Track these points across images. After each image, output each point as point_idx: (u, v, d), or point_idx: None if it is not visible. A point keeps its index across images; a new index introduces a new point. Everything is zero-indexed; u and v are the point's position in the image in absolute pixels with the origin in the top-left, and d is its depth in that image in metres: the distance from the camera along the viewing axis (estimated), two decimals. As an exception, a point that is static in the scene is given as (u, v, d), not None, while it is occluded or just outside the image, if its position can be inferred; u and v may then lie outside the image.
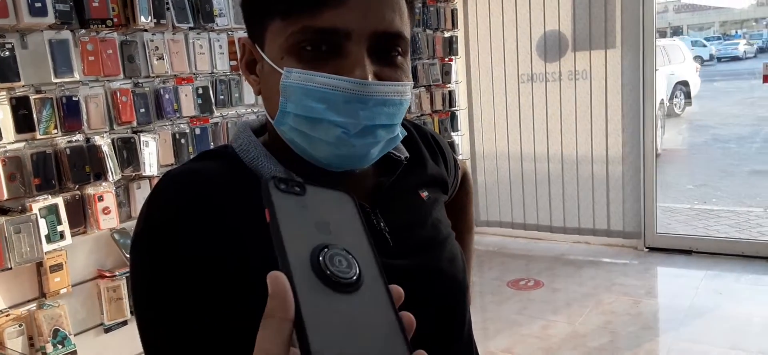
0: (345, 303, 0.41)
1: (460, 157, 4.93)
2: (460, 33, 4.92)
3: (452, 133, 4.77)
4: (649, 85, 4.34)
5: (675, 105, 11.42)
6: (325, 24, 0.63)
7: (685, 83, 11.33)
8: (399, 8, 0.68)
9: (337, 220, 0.47)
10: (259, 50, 0.70)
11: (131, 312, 2.52)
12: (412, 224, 0.78)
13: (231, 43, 2.95)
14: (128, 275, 2.54)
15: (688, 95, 11.58)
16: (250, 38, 0.72)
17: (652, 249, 4.53)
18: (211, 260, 0.62)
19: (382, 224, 0.74)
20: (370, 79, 0.64)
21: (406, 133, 0.76)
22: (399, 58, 0.69)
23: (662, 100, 8.31)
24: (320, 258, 0.42)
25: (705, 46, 21.83)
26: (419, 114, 4.44)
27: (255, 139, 0.73)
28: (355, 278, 0.42)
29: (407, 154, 0.81)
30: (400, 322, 0.43)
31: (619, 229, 4.61)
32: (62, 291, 2.32)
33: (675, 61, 10.45)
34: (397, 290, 0.45)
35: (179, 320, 0.62)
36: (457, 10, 4.82)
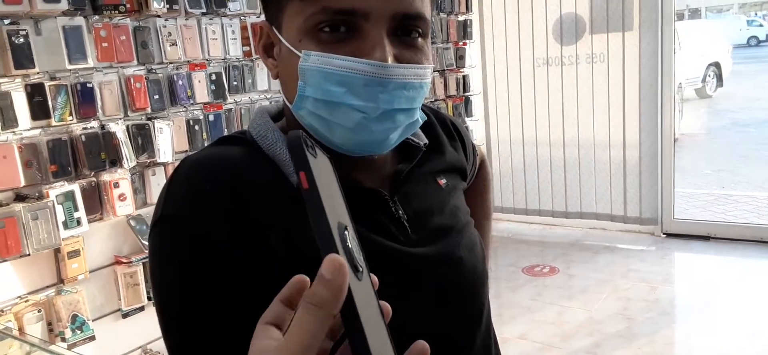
0: (364, 290, 0.39)
1: (474, 142, 4.89)
2: (474, 16, 4.86)
3: (467, 119, 4.73)
4: (668, 68, 4.27)
5: (706, 86, 11.41)
6: (343, 5, 0.62)
7: (717, 65, 11.31)
8: None
9: (334, 189, 0.42)
10: (277, 33, 0.68)
11: (148, 298, 2.54)
12: (431, 211, 0.76)
13: (243, 28, 2.94)
14: (145, 260, 2.56)
15: (720, 77, 11.53)
16: (267, 21, 0.71)
17: (669, 235, 4.48)
18: (232, 245, 0.61)
19: (400, 212, 0.73)
20: (389, 62, 0.63)
21: (426, 119, 0.75)
22: (419, 40, 0.67)
23: (680, 84, 8.18)
24: (346, 240, 0.38)
25: (761, 25, 20.85)
26: (433, 99, 4.41)
27: (272, 124, 0.72)
28: (364, 261, 0.40)
29: (426, 141, 0.79)
30: (381, 312, 0.41)
31: (636, 215, 4.56)
32: (80, 277, 2.34)
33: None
34: (374, 279, 0.43)
35: (200, 307, 0.61)
36: (471, -7, 4.76)
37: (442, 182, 0.81)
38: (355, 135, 0.65)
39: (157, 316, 0.64)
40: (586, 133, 4.64)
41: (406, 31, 0.66)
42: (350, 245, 0.38)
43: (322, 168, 0.41)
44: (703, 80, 11.31)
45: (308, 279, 0.40)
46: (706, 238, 4.38)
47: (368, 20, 0.62)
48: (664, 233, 4.50)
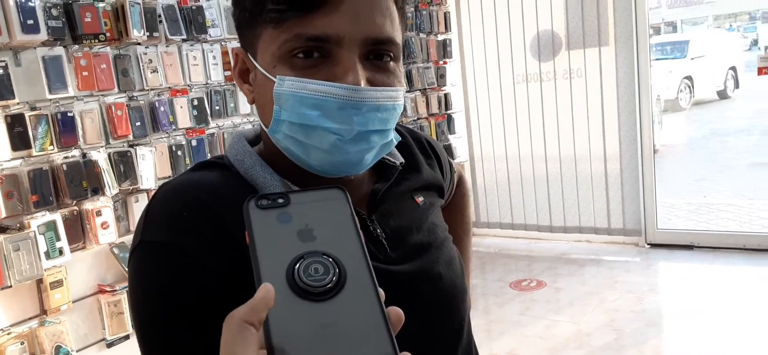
0: (321, 311, 0.42)
1: (458, 160, 4.93)
2: (453, 36, 4.92)
3: (449, 136, 4.77)
4: (645, 81, 4.34)
5: (727, 88, 12.48)
6: (316, 31, 0.64)
7: (734, 68, 12.53)
8: (390, 14, 0.68)
9: (324, 222, 0.48)
10: (252, 59, 0.70)
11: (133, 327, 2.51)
12: (409, 229, 0.78)
13: (224, 53, 2.95)
14: (128, 297, 2.53)
15: (736, 79, 12.69)
16: (242, 47, 0.72)
17: (653, 245, 4.52)
18: (211, 266, 0.62)
19: (378, 230, 0.74)
20: (362, 85, 0.65)
21: (401, 139, 0.76)
22: (391, 63, 0.69)
23: (659, 95, 8.32)
24: (295, 270, 0.44)
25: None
26: (415, 118, 4.44)
27: (250, 148, 0.73)
28: (331, 283, 0.44)
29: (402, 160, 0.81)
30: (386, 320, 0.43)
31: (620, 226, 4.60)
32: (63, 307, 2.31)
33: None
34: (380, 292, 0.45)
35: (179, 329, 0.62)
36: (449, 13, 4.82)
37: (420, 199, 0.82)
38: (330, 156, 0.67)
39: (138, 340, 0.65)
40: (567, 147, 4.69)
41: (378, 55, 0.68)
42: (299, 274, 0.44)
43: (295, 210, 0.48)
44: (724, 83, 12.30)
45: None
46: (689, 247, 4.42)
47: (341, 46, 0.64)
48: (648, 244, 4.54)
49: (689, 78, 11.66)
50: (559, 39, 4.60)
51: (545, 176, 4.82)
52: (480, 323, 3.65)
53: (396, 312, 0.44)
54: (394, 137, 0.72)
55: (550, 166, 4.79)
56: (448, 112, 4.77)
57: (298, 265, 0.43)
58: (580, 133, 4.61)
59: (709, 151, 8.57)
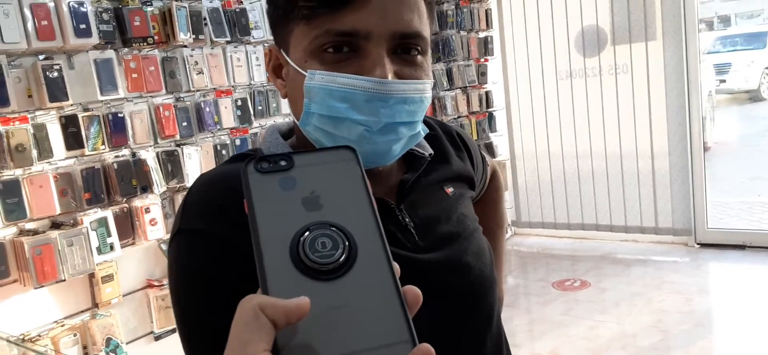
0: (329, 291, 0.38)
1: (499, 158, 4.88)
2: (495, 33, 4.87)
3: (490, 134, 4.73)
4: (694, 76, 4.21)
5: None
6: (346, 26, 0.66)
7: None
8: (417, 8, 0.69)
9: (332, 188, 0.43)
10: (285, 55, 0.72)
11: (179, 320, 2.59)
12: (437, 219, 0.79)
13: (267, 55, 3.00)
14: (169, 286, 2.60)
15: None
16: (275, 44, 0.75)
17: (703, 245, 4.38)
18: (246, 255, 0.64)
19: (407, 220, 0.76)
20: (390, 78, 0.66)
21: (430, 131, 0.78)
22: (418, 57, 0.70)
23: (710, 91, 8.03)
24: (299, 244, 0.39)
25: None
26: (456, 116, 4.42)
27: (282, 141, 0.76)
28: (340, 259, 0.39)
29: (431, 151, 0.82)
30: (402, 300, 0.39)
31: (668, 226, 4.47)
32: (114, 301, 2.41)
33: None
34: (395, 267, 0.41)
35: (214, 317, 0.64)
36: (491, 10, 4.78)
37: (449, 190, 0.83)
38: (359, 147, 0.68)
39: (177, 325, 0.67)
40: (612, 144, 4.58)
41: (406, 49, 0.69)
42: (304, 250, 0.39)
43: (300, 174, 0.42)
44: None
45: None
46: (741, 247, 4.26)
47: (369, 40, 0.66)
48: (697, 244, 4.39)
49: None
50: (604, 34, 4.51)
51: (590, 174, 4.72)
52: (521, 323, 3.61)
53: (413, 292, 0.40)
54: (421, 129, 0.73)
55: (595, 163, 4.69)
56: (489, 109, 4.73)
57: (302, 239, 0.39)
58: (626, 129, 4.50)
59: (764, 148, 8.23)
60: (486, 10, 4.67)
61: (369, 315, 0.38)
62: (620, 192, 4.62)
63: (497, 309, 0.84)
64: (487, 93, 4.69)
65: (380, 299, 0.39)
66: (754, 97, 11.45)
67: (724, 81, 11.34)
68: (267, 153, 0.75)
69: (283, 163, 0.43)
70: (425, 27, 0.71)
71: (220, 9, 2.80)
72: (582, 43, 4.61)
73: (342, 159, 0.45)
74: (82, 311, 2.38)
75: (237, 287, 0.63)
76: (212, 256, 0.65)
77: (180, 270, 0.67)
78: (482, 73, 4.65)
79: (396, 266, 0.41)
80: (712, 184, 4.72)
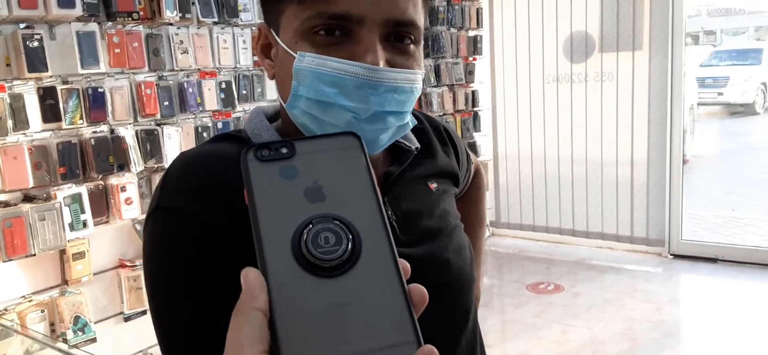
0: (332, 289, 0.37)
1: (482, 158, 4.89)
2: (485, 32, 4.88)
3: (475, 134, 4.74)
4: (678, 89, 4.26)
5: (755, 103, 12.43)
6: (339, 9, 0.64)
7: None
8: None
9: (335, 177, 0.41)
10: (274, 35, 0.71)
11: (151, 302, 2.55)
12: (420, 214, 0.78)
13: (254, 38, 2.97)
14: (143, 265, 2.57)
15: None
16: (265, 23, 0.73)
17: (676, 256, 4.45)
18: (224, 235, 0.63)
19: (389, 213, 0.75)
20: (381, 66, 0.65)
21: (417, 123, 0.77)
22: (411, 46, 0.69)
23: (692, 105, 8.15)
24: (302, 239, 0.38)
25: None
26: (441, 113, 4.42)
27: (267, 123, 0.74)
28: (345, 255, 0.38)
29: (418, 145, 0.81)
30: (407, 299, 0.38)
31: (643, 235, 4.53)
32: (84, 279, 2.37)
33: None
34: (404, 264, 0.40)
35: (189, 297, 0.63)
36: (482, 9, 4.78)
37: (433, 185, 0.82)
38: None
39: (149, 304, 0.66)
40: (594, 151, 4.63)
41: (399, 37, 0.68)
42: (307, 245, 0.38)
43: (302, 162, 0.41)
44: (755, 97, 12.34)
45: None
46: (713, 260, 4.34)
47: (362, 25, 0.65)
48: (671, 254, 4.46)
49: (764, 84, 12.11)
50: (592, 41, 4.54)
51: (570, 179, 4.76)
52: (494, 323, 3.63)
53: (419, 291, 0.38)
54: (410, 120, 0.72)
55: (575, 169, 4.73)
56: (475, 109, 4.74)
57: (304, 232, 0.38)
58: (608, 137, 4.55)
59: (741, 164, 8.37)
60: (477, 9, 4.68)
61: (373, 314, 0.37)
62: (598, 199, 4.67)
63: (474, 308, 0.84)
64: (473, 92, 4.70)
65: (385, 297, 0.37)
66: (749, 110, 11.94)
67: (721, 94, 11.78)
68: (251, 135, 0.73)
69: (284, 150, 0.41)
70: (420, 16, 0.70)
71: (209, -11, 2.75)
72: (570, 49, 4.63)
73: (345, 146, 0.43)
74: (51, 288, 2.34)
75: (210, 270, 0.62)
76: (189, 236, 0.63)
77: (155, 248, 0.65)
78: (470, 72, 4.66)
79: (403, 263, 0.39)
80: (689, 197, 4.79)
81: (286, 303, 0.36)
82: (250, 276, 0.37)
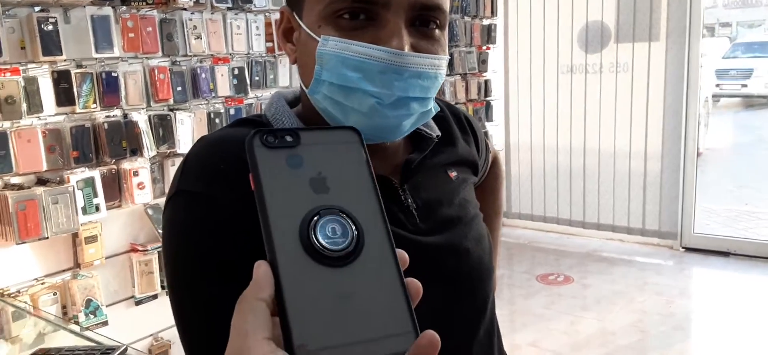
0: (338, 279, 0.38)
1: (489, 142, 4.86)
2: (499, 21, 4.83)
3: (487, 123, 4.71)
4: (694, 81, 4.21)
5: None
6: None
7: None
8: None
9: (337, 170, 0.42)
10: (297, 18, 0.70)
11: (162, 286, 2.57)
12: (440, 202, 0.77)
13: (268, 24, 2.96)
14: (160, 249, 2.59)
15: None
16: (288, 6, 0.72)
17: (688, 249, 4.41)
18: (244, 220, 0.62)
19: (409, 200, 0.74)
20: (406, 51, 0.64)
21: (439, 110, 0.76)
22: (437, 31, 0.68)
23: (707, 98, 8.07)
24: (310, 228, 0.38)
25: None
26: (454, 102, 4.39)
27: (288, 108, 0.74)
28: (350, 247, 0.39)
29: (438, 133, 0.80)
30: (405, 292, 0.39)
31: (655, 228, 4.50)
32: (96, 262, 2.38)
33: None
34: (402, 255, 0.41)
35: (209, 282, 0.62)
36: (496, -3, 4.74)
37: (453, 174, 0.82)
38: (369, 120, 0.66)
39: (168, 287, 0.66)
40: (607, 142, 4.59)
41: (424, 22, 0.67)
42: (315, 234, 0.38)
43: (306, 152, 0.41)
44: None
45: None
46: (725, 254, 4.30)
47: (388, 9, 0.64)
48: (683, 248, 4.43)
49: None
50: (608, 31, 4.48)
51: (582, 170, 4.73)
52: (503, 313, 3.63)
53: (414, 285, 0.40)
54: (433, 107, 0.71)
55: (587, 160, 4.69)
56: (488, 98, 4.70)
57: (312, 222, 0.39)
58: (621, 129, 4.50)
59: (754, 158, 8.28)
60: (491, -3, 4.63)
61: (375, 305, 0.38)
62: (610, 191, 4.64)
63: (492, 297, 0.83)
64: (486, 81, 4.67)
65: (385, 289, 0.39)
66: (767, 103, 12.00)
67: (745, 85, 11.91)
68: (272, 120, 0.72)
69: (289, 138, 0.42)
70: (445, 0, 0.68)
71: (223, -26, 2.74)
72: (585, 39, 4.58)
73: (346, 141, 0.44)
74: (64, 271, 2.36)
75: (231, 255, 0.62)
76: (209, 220, 0.63)
77: (176, 232, 0.65)
78: (483, 61, 4.62)
79: (401, 254, 0.41)
80: (701, 190, 4.75)
81: (295, 290, 0.37)
82: (260, 269, 0.38)
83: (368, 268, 0.39)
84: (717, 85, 12.14)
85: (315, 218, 0.39)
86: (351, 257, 0.39)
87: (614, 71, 4.49)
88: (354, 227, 0.39)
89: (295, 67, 0.74)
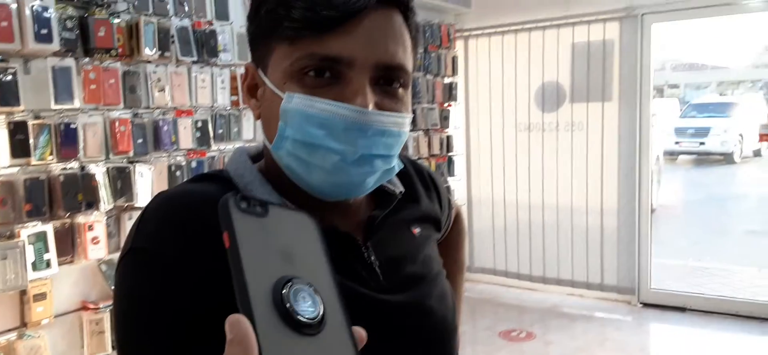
0: (308, 346, 0.39)
1: (451, 197, 4.91)
2: (460, 79, 4.97)
3: (449, 178, 4.77)
4: (645, 139, 4.38)
5: (733, 153, 13.26)
6: (330, 51, 0.64)
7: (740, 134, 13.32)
8: (403, 41, 0.69)
9: (301, 247, 0.44)
10: (262, 75, 0.70)
11: (112, 347, 2.46)
12: (403, 259, 0.77)
13: (233, 78, 2.97)
14: (111, 308, 2.49)
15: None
16: (253, 62, 0.73)
17: (646, 305, 4.49)
18: (202, 279, 0.61)
19: (372, 258, 0.74)
20: (370, 108, 0.65)
21: (403, 167, 0.76)
22: (400, 90, 0.69)
23: (658, 156, 8.41)
24: (283, 294, 0.39)
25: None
26: (417, 157, 4.44)
27: (250, 164, 0.73)
28: (318, 318, 0.40)
29: (402, 189, 0.81)
30: None
31: (613, 283, 4.58)
32: (44, 321, 2.27)
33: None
34: (359, 332, 0.43)
35: (157, 347, 0.60)
36: (457, 57, 4.88)
37: (416, 230, 0.82)
38: (332, 177, 0.67)
39: (117, 347, 0.63)
40: (564, 198, 4.70)
41: (388, 81, 0.68)
42: (289, 300, 0.39)
43: (273, 224, 0.43)
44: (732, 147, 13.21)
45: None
46: (682, 309, 4.40)
47: (352, 68, 0.65)
48: (640, 303, 4.51)
49: (741, 135, 13.11)
50: (563, 91, 4.65)
51: (541, 226, 4.81)
52: (468, 371, 3.59)
53: (359, 333, 0.43)
54: (396, 164, 0.72)
55: (546, 215, 4.78)
56: (449, 154, 4.78)
57: (286, 288, 0.39)
58: (578, 185, 4.63)
59: (705, 215, 8.58)
60: (453, 57, 4.77)
61: None
62: (569, 246, 4.72)
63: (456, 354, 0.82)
64: (448, 137, 4.76)
65: None
66: (728, 160, 12.83)
67: (703, 143, 12.80)
68: (234, 175, 0.72)
69: (258, 208, 0.43)
70: (409, 61, 0.70)
71: (190, 28, 2.75)
72: (542, 98, 4.74)
73: (305, 224, 0.46)
74: (9, 330, 2.24)
75: (184, 317, 0.60)
76: (164, 279, 0.61)
77: (127, 290, 0.63)
78: (445, 118, 4.72)
79: (358, 330, 0.43)
80: (656, 246, 4.87)
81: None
82: (241, 329, 0.37)
83: (330, 340, 0.40)
84: (676, 143, 13.00)
85: (288, 284, 0.40)
86: (319, 328, 0.40)
87: (570, 129, 4.64)
88: (320, 299, 0.41)
89: (259, 121, 0.74)
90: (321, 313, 0.40)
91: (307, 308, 0.39)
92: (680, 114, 14.21)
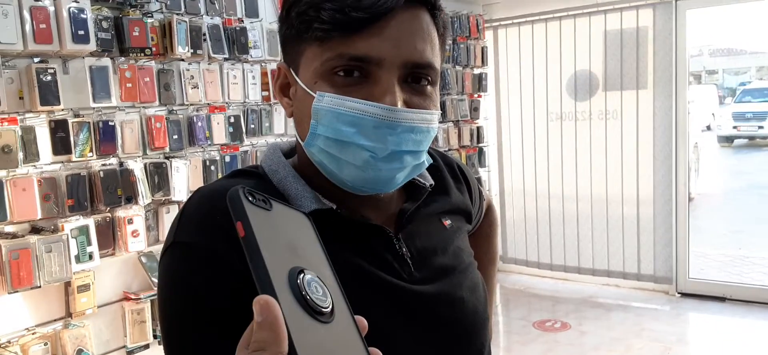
0: (325, 333, 0.40)
1: (482, 189, 4.89)
2: (489, 70, 4.93)
3: (480, 169, 4.75)
4: (682, 127, 4.28)
5: None
6: (359, 51, 0.66)
7: None
8: (430, 40, 0.70)
9: (303, 242, 0.45)
10: (294, 74, 0.72)
11: (154, 336, 2.54)
12: (434, 251, 0.78)
13: (264, 74, 3.01)
14: (153, 298, 2.57)
15: None
16: (285, 62, 0.75)
17: (684, 294, 4.40)
18: (240, 273, 0.62)
19: (404, 249, 0.75)
20: (399, 106, 0.67)
21: (432, 161, 0.77)
22: (428, 87, 0.71)
23: (696, 143, 8.21)
24: (299, 282, 0.40)
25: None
26: (446, 149, 4.44)
27: (284, 160, 0.75)
28: (331, 306, 0.41)
29: (432, 182, 0.82)
30: (367, 349, 0.42)
31: (650, 273, 4.49)
32: (88, 311, 2.35)
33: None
34: (362, 321, 0.44)
35: (203, 334, 0.63)
36: (487, 47, 4.84)
37: (447, 222, 0.83)
38: (363, 173, 0.68)
39: (163, 340, 0.66)
40: (598, 188, 4.63)
41: (416, 79, 0.70)
42: (305, 289, 0.40)
43: (277, 219, 0.44)
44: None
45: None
46: (721, 299, 4.29)
47: (381, 67, 0.67)
48: (678, 293, 4.42)
49: None
50: (596, 80, 4.58)
51: (575, 216, 4.75)
52: (501, 361, 3.58)
53: (361, 322, 0.44)
54: (426, 159, 0.74)
55: (580, 206, 4.72)
56: (480, 145, 4.76)
57: (300, 278, 0.41)
58: (613, 175, 4.55)
59: (746, 203, 8.34)
60: (482, 48, 4.74)
61: None
62: (604, 236, 4.65)
63: (488, 347, 0.83)
64: (478, 128, 4.73)
65: (354, 350, 0.42)
66: None
67: (761, 127, 13.16)
68: (269, 171, 0.74)
69: (263, 203, 0.44)
70: (437, 58, 0.71)
71: (221, 26, 2.80)
72: (574, 87, 4.67)
73: (303, 223, 0.48)
74: (55, 320, 2.33)
75: (228, 306, 0.62)
76: (205, 272, 0.64)
77: (171, 283, 0.66)
78: (475, 109, 4.69)
79: (361, 320, 0.44)
80: (695, 234, 4.77)
81: (302, 341, 0.38)
82: (271, 313, 0.37)
83: (340, 328, 0.42)
84: (734, 128, 13.41)
85: (301, 274, 0.41)
86: (331, 317, 0.41)
87: (603, 118, 4.56)
88: (328, 289, 0.42)
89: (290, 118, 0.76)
90: (331, 301, 0.41)
91: (320, 296, 0.41)
92: (734, 99, 14.43)
